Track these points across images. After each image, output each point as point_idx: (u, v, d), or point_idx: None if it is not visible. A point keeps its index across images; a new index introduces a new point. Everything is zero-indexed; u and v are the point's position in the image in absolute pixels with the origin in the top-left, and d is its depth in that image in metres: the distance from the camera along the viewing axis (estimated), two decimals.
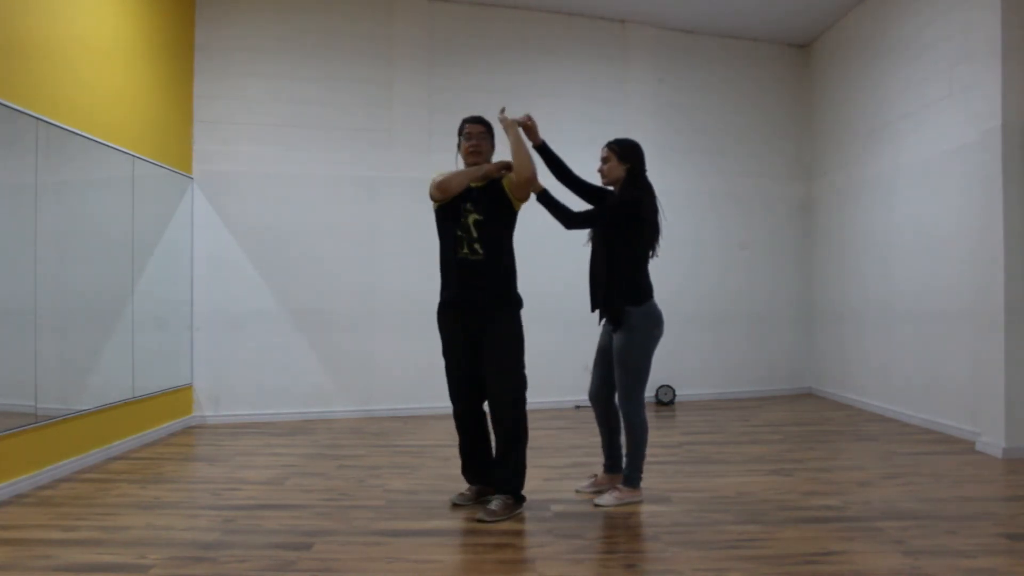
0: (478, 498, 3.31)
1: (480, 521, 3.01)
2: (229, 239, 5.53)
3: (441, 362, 5.95)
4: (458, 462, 4.17)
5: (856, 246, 6.07)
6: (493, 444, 3.29)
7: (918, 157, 5.22)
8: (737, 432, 5.03)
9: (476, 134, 3.30)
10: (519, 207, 3.30)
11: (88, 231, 4.14)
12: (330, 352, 5.72)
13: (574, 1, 6.10)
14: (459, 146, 3.34)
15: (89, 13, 4.17)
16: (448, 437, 4.92)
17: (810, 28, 6.60)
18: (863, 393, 5.97)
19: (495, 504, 3.09)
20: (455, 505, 3.27)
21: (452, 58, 6.04)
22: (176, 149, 5.25)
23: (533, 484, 3.60)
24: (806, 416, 5.69)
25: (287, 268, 5.64)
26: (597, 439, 4.69)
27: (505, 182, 3.24)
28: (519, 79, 6.18)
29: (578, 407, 5.96)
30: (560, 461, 4.17)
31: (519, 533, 2.91)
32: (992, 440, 4.26)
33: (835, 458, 4.27)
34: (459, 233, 3.21)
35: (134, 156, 4.59)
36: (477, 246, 3.17)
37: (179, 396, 5.25)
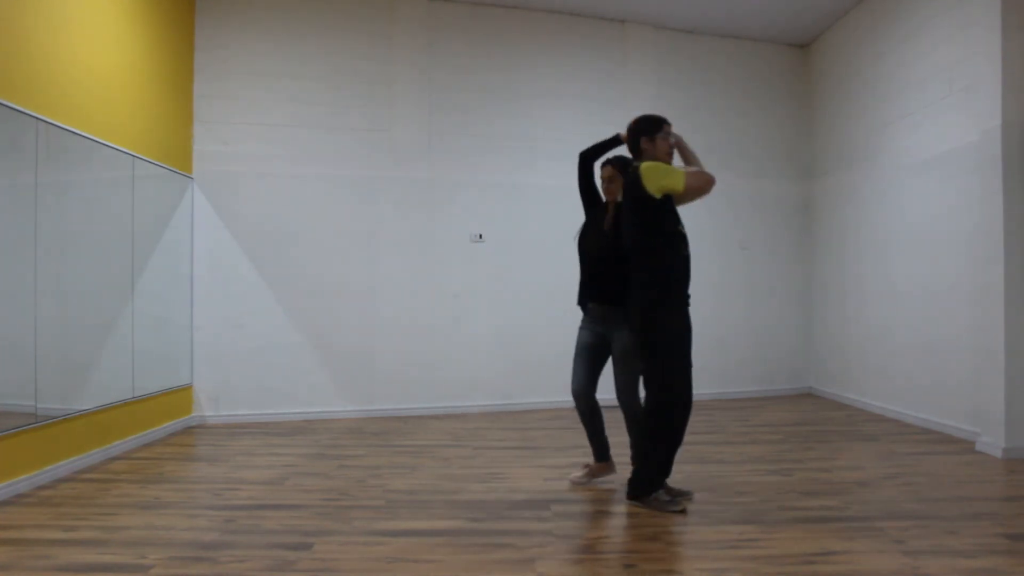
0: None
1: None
2: (229, 239, 5.53)
3: (441, 362, 6.00)
4: (458, 461, 4.19)
5: (856, 246, 6.07)
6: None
7: (918, 157, 5.22)
8: (737, 432, 5.03)
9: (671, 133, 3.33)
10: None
11: (88, 231, 4.14)
12: (330, 352, 5.72)
13: (574, 1, 6.10)
14: (656, 146, 3.25)
15: (90, 14, 4.17)
16: (447, 437, 4.93)
17: (810, 28, 6.60)
18: (863, 393, 5.97)
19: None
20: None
21: (452, 58, 6.04)
22: (176, 149, 5.24)
23: (534, 484, 3.61)
24: (806, 416, 5.69)
25: (287, 268, 5.64)
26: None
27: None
28: (519, 79, 6.18)
29: None
30: (560, 461, 4.16)
31: (519, 533, 2.91)
32: (992, 440, 4.26)
33: (835, 458, 4.27)
34: (680, 230, 3.27)
35: (134, 156, 4.59)
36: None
37: (179, 396, 5.25)
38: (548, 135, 6.21)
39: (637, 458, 3.39)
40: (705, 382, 6.54)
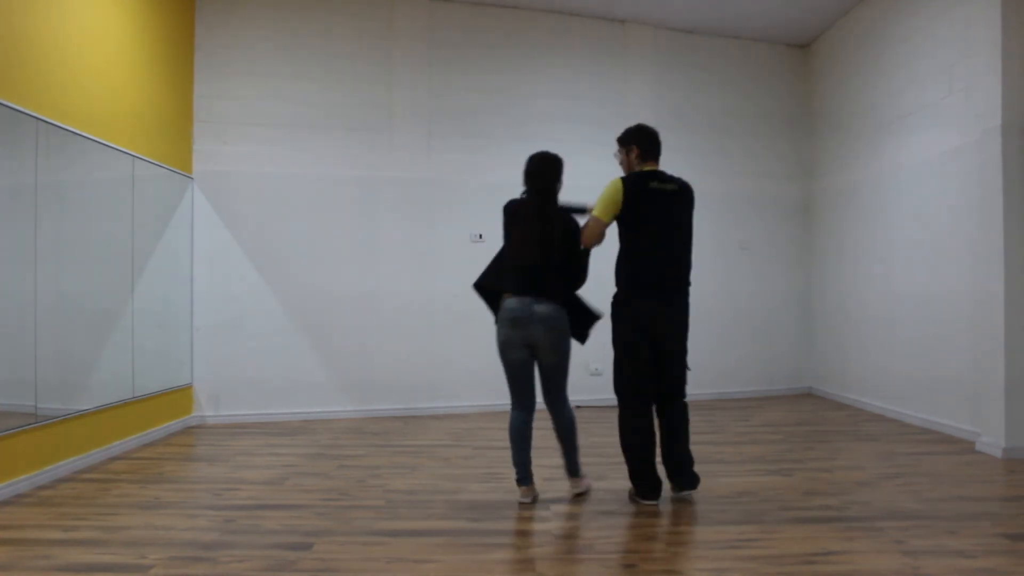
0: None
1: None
2: (229, 239, 5.53)
3: (441, 362, 6.00)
4: (458, 461, 4.19)
5: (856, 246, 6.07)
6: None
7: (918, 157, 5.22)
8: (737, 432, 5.03)
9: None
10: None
11: (88, 231, 4.14)
12: (330, 352, 5.72)
13: (574, 1, 6.10)
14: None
15: (89, 13, 4.17)
16: (447, 437, 4.92)
17: (810, 28, 6.60)
18: (863, 393, 5.97)
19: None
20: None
21: (452, 58, 6.04)
22: (176, 149, 5.24)
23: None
24: (806, 416, 5.69)
25: (287, 268, 5.64)
26: (596, 439, 4.72)
27: None
28: (519, 79, 6.18)
29: (578, 407, 5.96)
30: (560, 461, 4.15)
31: (519, 533, 2.91)
32: (992, 440, 4.26)
33: (835, 458, 4.27)
34: None
35: (134, 156, 4.59)
36: None
37: (179, 396, 5.25)
38: (548, 135, 6.19)
39: (679, 453, 3.40)
40: (705, 382, 6.55)
